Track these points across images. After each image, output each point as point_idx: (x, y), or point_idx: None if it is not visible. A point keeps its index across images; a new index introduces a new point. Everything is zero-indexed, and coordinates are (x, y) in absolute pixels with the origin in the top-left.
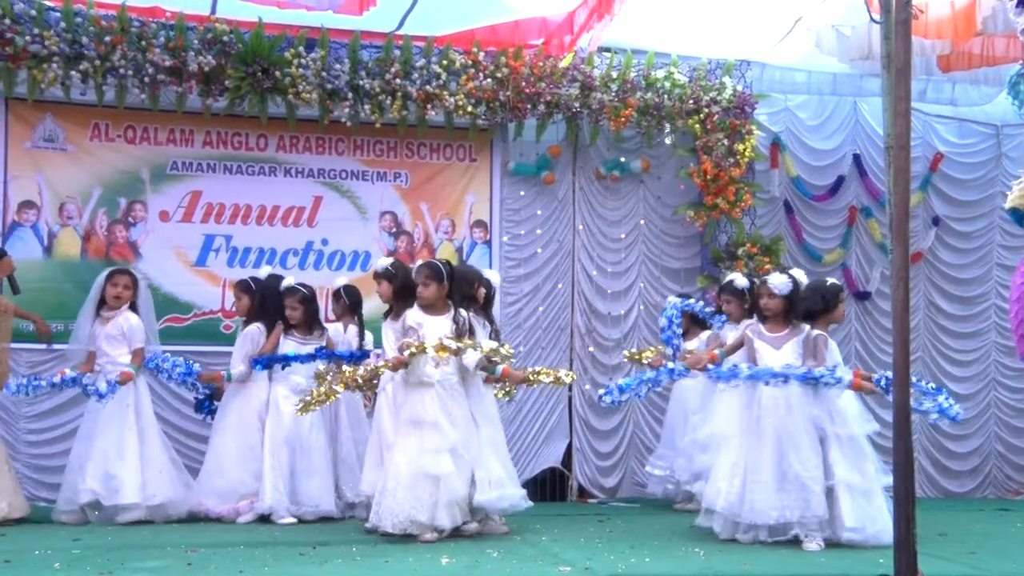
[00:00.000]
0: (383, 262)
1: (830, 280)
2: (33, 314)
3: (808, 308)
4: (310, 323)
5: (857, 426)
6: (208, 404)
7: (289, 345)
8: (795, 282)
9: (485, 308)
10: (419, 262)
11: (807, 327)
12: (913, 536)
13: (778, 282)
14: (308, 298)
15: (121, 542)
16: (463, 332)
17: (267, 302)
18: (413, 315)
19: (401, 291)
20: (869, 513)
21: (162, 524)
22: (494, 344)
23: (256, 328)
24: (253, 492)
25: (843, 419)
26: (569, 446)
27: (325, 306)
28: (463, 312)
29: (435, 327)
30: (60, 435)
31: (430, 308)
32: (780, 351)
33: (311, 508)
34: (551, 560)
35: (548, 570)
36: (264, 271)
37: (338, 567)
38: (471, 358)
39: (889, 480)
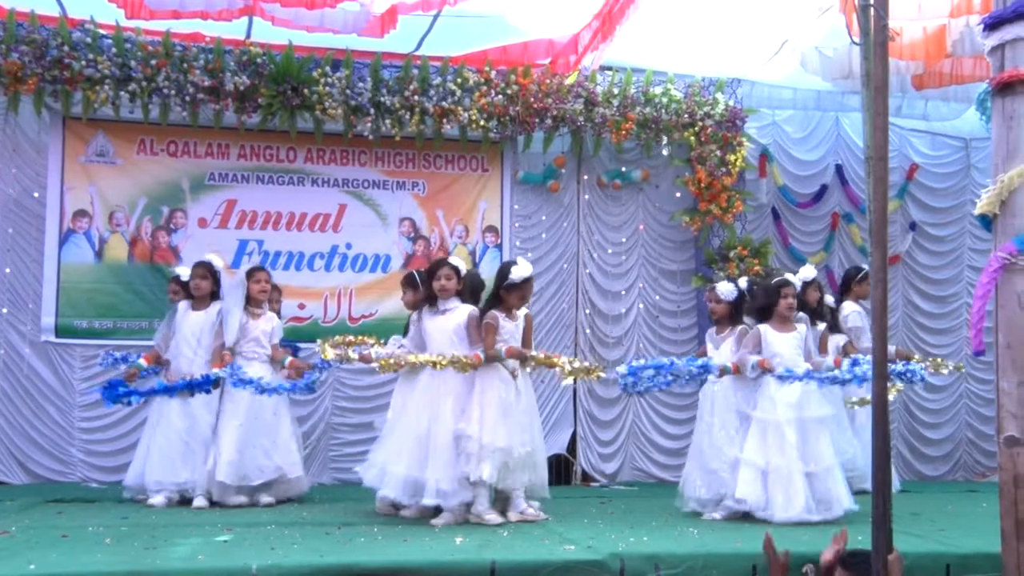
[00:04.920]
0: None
1: (778, 277)
2: None
3: (754, 304)
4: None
5: (783, 413)
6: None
7: (256, 321)
8: (740, 289)
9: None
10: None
11: (741, 326)
12: (889, 515)
13: (724, 289)
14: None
15: (165, 521)
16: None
17: (220, 287)
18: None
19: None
20: (756, 489)
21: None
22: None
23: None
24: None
25: (771, 406)
26: (573, 434)
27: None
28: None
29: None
30: (111, 422)
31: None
32: (719, 349)
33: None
34: (557, 539)
35: (554, 548)
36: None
37: (361, 545)
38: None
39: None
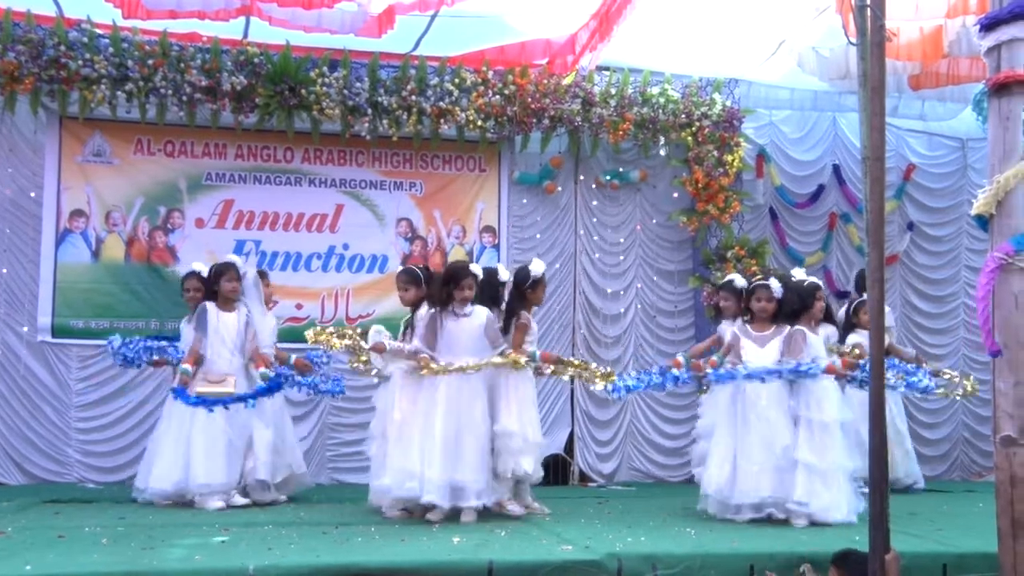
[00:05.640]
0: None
1: (807, 280)
2: None
3: (788, 308)
4: None
5: (830, 414)
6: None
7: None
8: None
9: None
10: (399, 268)
11: (788, 326)
12: (886, 515)
13: (776, 287)
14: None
15: (162, 521)
16: (405, 329)
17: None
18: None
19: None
20: (817, 490)
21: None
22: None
23: None
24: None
25: (818, 406)
26: (571, 434)
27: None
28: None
29: None
30: (108, 423)
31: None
32: (765, 348)
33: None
34: (554, 539)
35: (551, 548)
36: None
37: (358, 545)
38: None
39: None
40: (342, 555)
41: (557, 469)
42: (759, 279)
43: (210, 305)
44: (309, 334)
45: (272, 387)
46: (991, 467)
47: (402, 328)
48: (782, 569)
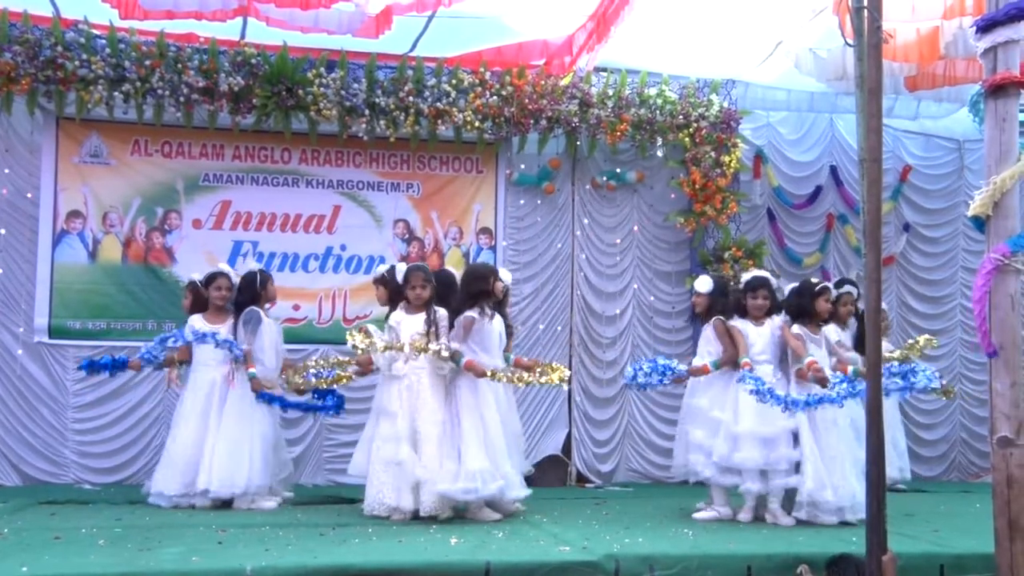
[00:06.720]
0: (382, 268)
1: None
2: None
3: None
4: None
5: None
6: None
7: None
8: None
9: (501, 304)
10: (412, 264)
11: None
12: (883, 517)
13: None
14: None
15: (159, 522)
16: (429, 328)
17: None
18: (395, 315)
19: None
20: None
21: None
22: (437, 345)
23: None
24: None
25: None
26: (568, 435)
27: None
28: (439, 310)
29: (410, 325)
30: (105, 423)
31: (411, 308)
32: (822, 350)
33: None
34: (552, 540)
35: (549, 549)
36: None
37: (355, 546)
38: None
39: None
40: (339, 556)
41: (555, 470)
42: (819, 282)
43: (259, 310)
44: (358, 339)
45: (342, 397)
46: (988, 468)
47: (425, 328)
48: (780, 570)
